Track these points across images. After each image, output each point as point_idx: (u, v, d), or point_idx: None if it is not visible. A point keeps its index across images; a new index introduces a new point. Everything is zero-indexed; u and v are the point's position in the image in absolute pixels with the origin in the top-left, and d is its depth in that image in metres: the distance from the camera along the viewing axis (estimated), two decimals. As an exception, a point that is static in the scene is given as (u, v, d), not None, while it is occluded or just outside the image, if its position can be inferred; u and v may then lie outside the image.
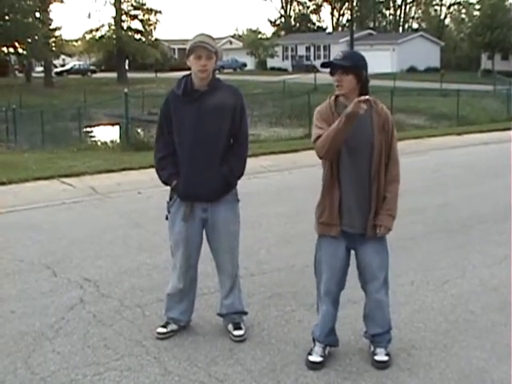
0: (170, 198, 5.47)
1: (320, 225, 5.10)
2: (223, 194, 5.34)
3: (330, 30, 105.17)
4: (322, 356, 5.10)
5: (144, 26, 77.21)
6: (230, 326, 5.60)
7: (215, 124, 5.21)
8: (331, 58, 4.89)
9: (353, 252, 5.11)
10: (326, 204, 5.00)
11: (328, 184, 4.97)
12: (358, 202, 4.90)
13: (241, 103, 5.34)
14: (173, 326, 5.63)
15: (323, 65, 4.86)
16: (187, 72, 5.38)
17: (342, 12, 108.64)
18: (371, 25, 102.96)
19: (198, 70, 5.16)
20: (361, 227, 4.93)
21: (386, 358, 5.11)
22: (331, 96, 4.95)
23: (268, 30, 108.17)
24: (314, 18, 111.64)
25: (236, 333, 5.52)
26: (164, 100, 5.40)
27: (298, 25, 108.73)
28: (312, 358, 5.08)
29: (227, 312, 5.64)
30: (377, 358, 5.12)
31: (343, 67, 4.73)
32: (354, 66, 4.74)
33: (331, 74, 4.83)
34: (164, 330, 5.59)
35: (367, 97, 4.56)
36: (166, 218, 5.53)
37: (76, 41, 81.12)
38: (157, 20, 77.98)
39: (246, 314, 5.74)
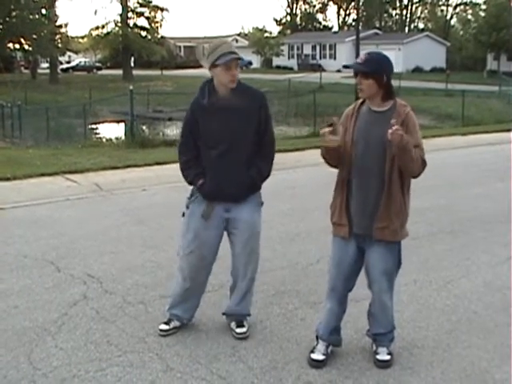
0: (191, 195, 5.43)
1: (332, 224, 5.10)
2: (249, 195, 5.32)
3: (335, 29, 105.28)
4: (324, 354, 5.11)
5: (150, 24, 77.23)
6: (233, 324, 5.61)
7: (242, 127, 5.18)
8: (355, 60, 4.84)
9: None
10: (337, 204, 5.00)
11: (339, 185, 4.98)
12: (368, 202, 4.87)
13: (265, 105, 5.34)
14: (175, 323, 5.63)
15: (346, 66, 4.85)
16: (194, 70, 5.38)
17: (348, 11, 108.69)
18: (377, 24, 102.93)
19: (229, 81, 5.10)
20: (368, 228, 4.91)
21: (387, 358, 5.12)
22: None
23: (274, 29, 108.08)
24: (320, 16, 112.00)
25: (238, 330, 5.52)
26: (189, 108, 5.35)
27: (304, 24, 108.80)
28: (314, 356, 5.09)
29: (233, 314, 5.65)
30: (379, 357, 5.12)
31: (363, 72, 4.70)
32: (373, 71, 4.68)
33: (355, 75, 4.82)
34: (166, 327, 5.59)
35: (333, 121, 4.61)
36: (183, 215, 5.48)
37: (82, 37, 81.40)
38: (163, 17, 78.31)
39: (249, 315, 5.74)
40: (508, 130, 22.10)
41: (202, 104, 5.22)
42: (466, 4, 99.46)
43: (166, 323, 5.62)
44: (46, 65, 77.20)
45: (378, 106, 4.81)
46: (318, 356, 5.09)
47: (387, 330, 5.19)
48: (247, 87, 5.33)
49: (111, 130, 29.17)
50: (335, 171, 5.04)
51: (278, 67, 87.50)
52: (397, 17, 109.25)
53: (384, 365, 5.08)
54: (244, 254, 5.45)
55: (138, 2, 75.85)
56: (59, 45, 67.57)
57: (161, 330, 5.57)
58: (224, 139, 5.17)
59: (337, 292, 5.13)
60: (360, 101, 4.94)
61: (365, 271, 5.11)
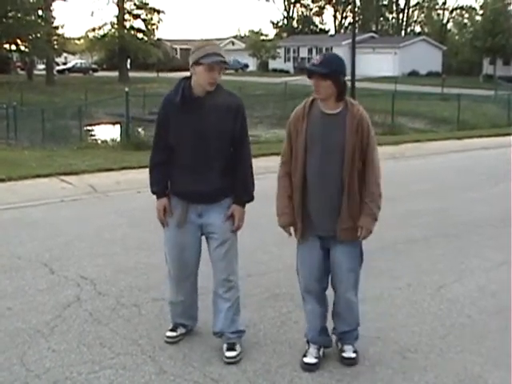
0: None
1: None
2: (222, 198, 5.18)
3: (332, 32, 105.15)
4: (316, 358, 5.11)
5: (146, 26, 77.28)
6: (224, 347, 5.31)
7: (217, 126, 5.02)
8: (311, 62, 4.82)
9: None
10: (295, 206, 5.01)
11: (296, 185, 4.96)
12: (328, 205, 4.88)
13: (242, 106, 5.18)
14: (182, 330, 5.57)
15: (301, 68, 4.79)
16: (187, 73, 5.21)
17: (344, 15, 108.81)
18: (374, 28, 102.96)
19: (208, 83, 4.93)
20: (331, 230, 4.91)
21: (353, 355, 5.17)
22: (309, 97, 4.95)
23: (270, 32, 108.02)
24: (316, 20, 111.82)
25: (228, 354, 5.22)
26: (161, 105, 5.22)
27: (300, 27, 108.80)
28: (307, 360, 5.09)
29: (223, 331, 5.33)
30: (345, 354, 5.18)
31: (320, 74, 4.70)
32: (330, 72, 4.68)
33: (309, 77, 4.80)
34: (174, 334, 5.52)
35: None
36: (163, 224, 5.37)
37: (78, 39, 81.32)
38: (159, 20, 78.18)
39: (243, 332, 5.45)
40: (503, 135, 22.15)
41: (174, 101, 5.06)
42: (462, 8, 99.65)
43: (173, 330, 5.55)
44: (42, 66, 77.08)
45: (331, 109, 4.81)
46: (310, 359, 5.10)
47: (352, 328, 5.23)
48: (222, 89, 5.13)
49: (107, 132, 29.11)
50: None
51: (275, 70, 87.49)
52: (393, 20, 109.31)
53: (350, 362, 5.13)
54: (220, 258, 5.22)
55: (134, 4, 75.86)
56: (55, 46, 67.43)
57: (168, 337, 5.50)
58: (199, 139, 5.02)
59: (312, 293, 5.15)
60: (309, 102, 4.92)
61: (331, 271, 5.10)
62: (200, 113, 5.02)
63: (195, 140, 5.04)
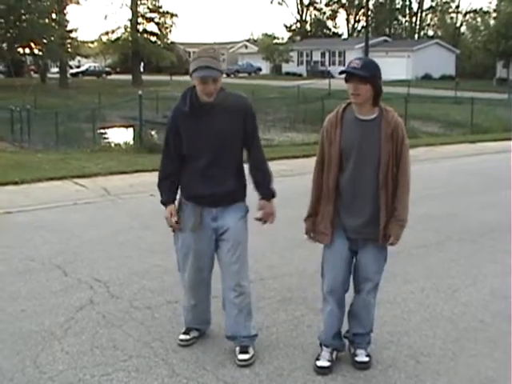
0: (177, 210, 5.28)
1: (316, 232, 5.16)
2: (238, 198, 5.21)
3: (345, 36, 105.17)
4: (329, 361, 5.11)
5: (160, 29, 77.57)
6: (237, 350, 5.33)
7: (229, 129, 5.03)
8: (350, 65, 4.78)
9: None
10: (325, 213, 5.03)
11: (326, 194, 4.98)
12: (362, 210, 4.88)
13: (249, 105, 5.21)
14: (195, 333, 5.58)
15: (342, 72, 4.80)
16: None
17: (357, 18, 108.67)
18: (387, 31, 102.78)
19: (204, 94, 4.93)
20: (364, 233, 4.92)
21: (366, 359, 5.17)
22: (343, 103, 4.95)
23: (283, 35, 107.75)
24: (329, 23, 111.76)
25: (241, 357, 5.25)
26: (171, 116, 5.23)
27: (313, 30, 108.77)
28: (319, 363, 5.09)
29: (235, 335, 5.36)
30: (358, 358, 5.18)
31: (362, 77, 4.68)
32: (372, 75, 4.69)
33: (346, 81, 4.78)
34: (187, 337, 5.53)
35: None
36: (173, 230, 5.37)
37: (92, 42, 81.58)
38: (173, 23, 78.49)
39: (255, 336, 5.43)
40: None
41: (183, 111, 5.06)
42: (475, 12, 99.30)
43: (186, 333, 5.56)
44: (55, 69, 77.36)
45: (366, 114, 4.80)
46: (323, 363, 5.09)
47: (365, 331, 5.24)
48: (230, 93, 5.14)
49: (120, 135, 29.20)
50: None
51: (288, 73, 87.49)
52: (406, 24, 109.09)
53: (363, 366, 5.14)
54: (233, 262, 5.19)
55: (147, 8, 76.18)
56: (69, 49, 67.73)
57: (181, 340, 5.51)
58: (208, 146, 5.02)
59: (335, 294, 5.13)
60: (342, 108, 4.93)
61: (354, 270, 5.12)
62: (210, 117, 5.03)
63: (208, 145, 5.04)
